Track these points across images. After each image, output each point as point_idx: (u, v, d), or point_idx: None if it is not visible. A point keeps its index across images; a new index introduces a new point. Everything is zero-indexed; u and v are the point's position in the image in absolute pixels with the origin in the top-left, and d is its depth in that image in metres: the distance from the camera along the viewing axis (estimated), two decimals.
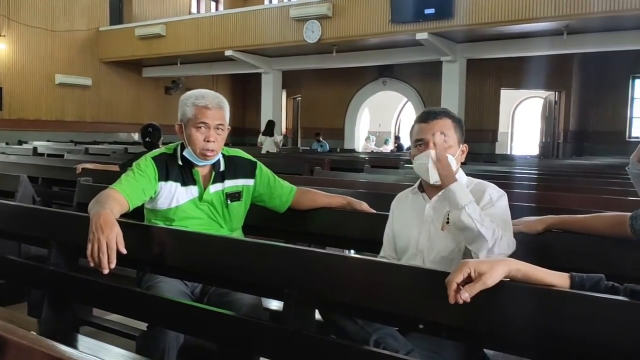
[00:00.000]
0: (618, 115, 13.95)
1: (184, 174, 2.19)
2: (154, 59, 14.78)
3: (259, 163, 2.36)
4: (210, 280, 1.99)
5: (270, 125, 11.07)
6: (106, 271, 1.72)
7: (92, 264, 1.74)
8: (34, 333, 0.93)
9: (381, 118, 17.79)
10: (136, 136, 14.56)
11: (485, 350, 1.65)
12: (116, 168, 4.42)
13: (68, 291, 2.11)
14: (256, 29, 12.26)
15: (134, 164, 2.20)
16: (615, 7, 8.32)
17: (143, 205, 2.18)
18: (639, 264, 1.67)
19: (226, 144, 2.32)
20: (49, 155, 8.15)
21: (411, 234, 1.89)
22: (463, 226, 1.67)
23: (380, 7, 10.43)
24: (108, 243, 1.73)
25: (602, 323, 1.17)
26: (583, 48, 10.48)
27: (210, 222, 2.20)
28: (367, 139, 15.47)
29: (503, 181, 3.80)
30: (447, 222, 1.79)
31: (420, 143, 1.87)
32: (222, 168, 2.23)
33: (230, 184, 2.24)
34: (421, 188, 1.95)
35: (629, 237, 1.66)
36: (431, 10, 9.82)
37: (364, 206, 2.36)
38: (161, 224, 2.16)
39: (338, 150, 12.99)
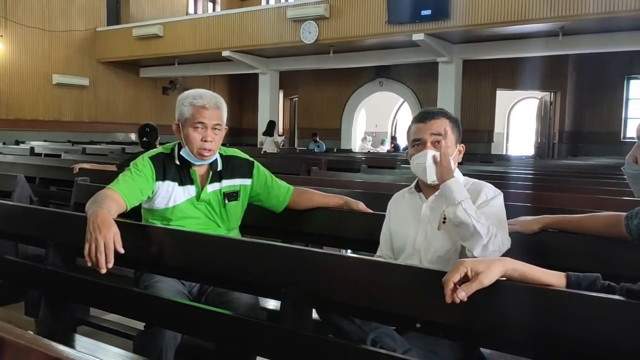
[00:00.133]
0: (613, 116, 13.98)
1: (182, 173, 2.19)
2: (152, 60, 14.76)
3: (256, 163, 2.36)
4: (207, 279, 1.99)
5: (271, 125, 11.11)
6: (104, 271, 1.72)
7: (89, 264, 1.74)
8: (32, 333, 0.93)
9: (378, 118, 17.81)
10: (133, 136, 14.53)
11: (482, 349, 1.66)
12: (113, 168, 4.42)
13: (65, 291, 2.10)
14: (253, 29, 12.26)
15: (131, 163, 2.20)
16: (610, 8, 8.35)
17: (140, 205, 2.19)
18: (635, 263, 1.68)
19: (223, 144, 2.33)
20: (46, 155, 8.13)
21: (408, 233, 1.89)
22: (459, 222, 1.68)
23: (377, 8, 10.45)
24: (105, 243, 1.73)
25: (598, 322, 1.18)
26: (578, 49, 10.51)
27: (208, 222, 2.20)
28: (364, 139, 15.51)
29: (499, 181, 3.81)
30: (444, 222, 1.79)
31: (417, 143, 1.88)
32: (219, 167, 2.24)
33: (227, 183, 2.24)
34: (418, 188, 1.96)
35: (625, 237, 1.67)
36: (427, 11, 9.84)
37: (361, 206, 2.37)
38: (158, 224, 2.16)
39: (335, 150, 12.99)
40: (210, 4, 18.23)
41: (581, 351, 1.21)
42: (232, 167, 2.27)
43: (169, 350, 1.84)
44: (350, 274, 1.53)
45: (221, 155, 2.27)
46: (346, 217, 2.37)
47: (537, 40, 10.15)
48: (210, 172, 2.22)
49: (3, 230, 2.43)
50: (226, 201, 2.22)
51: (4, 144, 10.29)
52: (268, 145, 10.76)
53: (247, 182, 2.30)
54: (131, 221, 2.04)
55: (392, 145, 15.77)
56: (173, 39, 13.55)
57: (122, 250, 1.75)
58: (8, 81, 13.26)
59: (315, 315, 1.65)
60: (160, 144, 3.23)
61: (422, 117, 1.90)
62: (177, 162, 2.19)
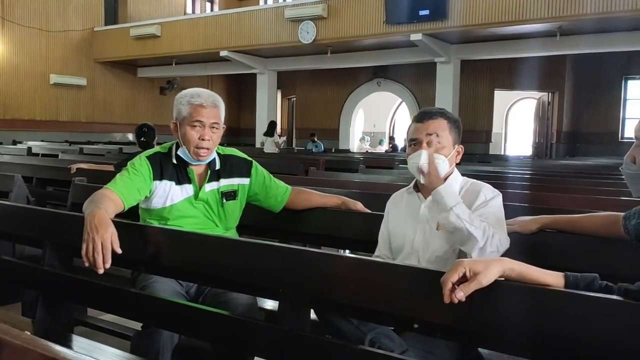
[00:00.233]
0: (611, 116, 14.02)
1: (179, 172, 2.19)
2: (149, 59, 14.75)
3: (254, 162, 2.36)
4: (205, 280, 1.98)
5: (271, 126, 11.12)
6: (101, 271, 1.72)
7: (86, 264, 1.73)
8: (28, 333, 0.93)
9: (376, 119, 17.82)
10: (131, 136, 14.50)
11: (479, 349, 1.66)
12: (111, 168, 4.41)
13: (62, 291, 2.10)
14: (251, 29, 12.25)
15: (128, 163, 2.19)
16: (607, 8, 8.37)
17: (138, 205, 2.18)
18: (633, 263, 1.68)
19: (221, 144, 2.32)
20: (43, 155, 8.10)
21: (406, 233, 1.89)
22: (453, 227, 1.68)
23: (375, 8, 10.46)
24: (103, 243, 1.72)
25: (596, 322, 1.18)
26: (576, 49, 10.53)
27: (206, 221, 2.20)
28: (362, 139, 15.52)
29: (497, 181, 3.81)
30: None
31: (414, 142, 1.88)
32: (217, 167, 2.23)
33: (225, 182, 2.24)
34: (416, 188, 1.96)
35: (623, 237, 1.67)
36: (425, 12, 9.85)
37: (359, 206, 2.37)
38: (156, 224, 2.15)
39: (333, 150, 12.99)
40: (208, 4, 18.21)
41: (579, 351, 1.20)
42: (230, 167, 2.27)
43: (166, 350, 1.83)
44: (348, 274, 1.53)
45: (219, 154, 2.27)
46: (344, 217, 2.36)
47: (534, 41, 10.17)
48: (208, 171, 2.21)
49: (0, 231, 2.42)
50: (224, 200, 2.22)
51: (1, 144, 10.27)
52: (268, 145, 10.77)
53: (245, 181, 2.30)
54: (128, 221, 2.03)
55: (390, 145, 15.76)
56: (171, 38, 13.53)
57: (119, 251, 1.75)
58: (5, 81, 13.24)
59: (313, 315, 1.65)
60: (158, 144, 3.22)
61: (420, 117, 1.90)
62: (175, 162, 2.19)
